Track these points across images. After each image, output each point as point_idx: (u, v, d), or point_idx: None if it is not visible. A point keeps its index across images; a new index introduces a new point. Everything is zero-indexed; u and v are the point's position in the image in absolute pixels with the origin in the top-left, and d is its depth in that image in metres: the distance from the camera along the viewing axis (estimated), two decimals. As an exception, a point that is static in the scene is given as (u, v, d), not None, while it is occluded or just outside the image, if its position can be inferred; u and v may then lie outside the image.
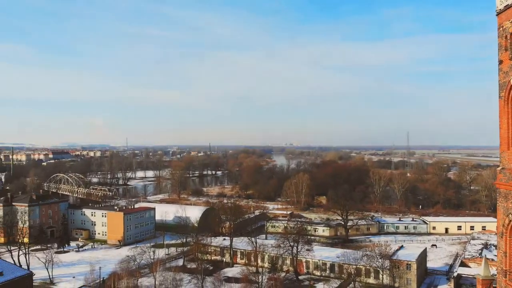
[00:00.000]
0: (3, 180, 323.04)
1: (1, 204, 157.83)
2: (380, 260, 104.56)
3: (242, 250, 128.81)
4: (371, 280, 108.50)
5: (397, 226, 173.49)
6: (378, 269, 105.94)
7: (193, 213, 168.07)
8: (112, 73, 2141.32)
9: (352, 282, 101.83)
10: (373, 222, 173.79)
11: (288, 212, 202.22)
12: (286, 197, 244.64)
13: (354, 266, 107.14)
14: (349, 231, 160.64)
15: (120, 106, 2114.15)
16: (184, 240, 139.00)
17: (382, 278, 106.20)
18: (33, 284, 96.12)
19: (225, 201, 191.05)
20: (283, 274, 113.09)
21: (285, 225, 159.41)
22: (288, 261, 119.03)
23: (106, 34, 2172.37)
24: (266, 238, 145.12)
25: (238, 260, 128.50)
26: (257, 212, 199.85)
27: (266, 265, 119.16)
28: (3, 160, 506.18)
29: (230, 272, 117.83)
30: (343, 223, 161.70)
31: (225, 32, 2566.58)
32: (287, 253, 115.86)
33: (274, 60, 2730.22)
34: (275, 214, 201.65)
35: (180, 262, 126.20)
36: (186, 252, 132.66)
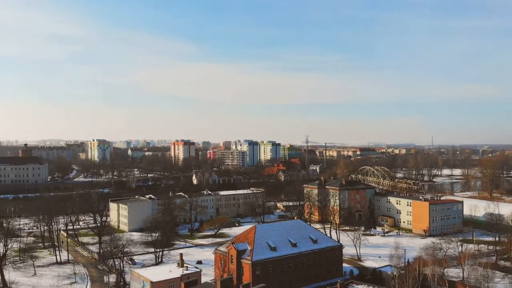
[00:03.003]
0: (318, 170, 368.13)
1: (317, 186, 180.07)
2: None
3: None
4: None
5: None
6: None
7: (509, 210, 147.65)
8: (411, 72, 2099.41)
9: None
10: None
11: None
12: None
13: None
14: None
15: (423, 105, 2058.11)
16: (497, 238, 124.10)
17: None
18: (342, 257, 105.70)
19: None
20: None
21: None
22: None
23: (402, 33, 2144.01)
24: None
25: None
26: None
27: None
28: (318, 155, 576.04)
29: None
30: None
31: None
32: None
33: None
34: None
35: (491, 259, 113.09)
36: (500, 251, 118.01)
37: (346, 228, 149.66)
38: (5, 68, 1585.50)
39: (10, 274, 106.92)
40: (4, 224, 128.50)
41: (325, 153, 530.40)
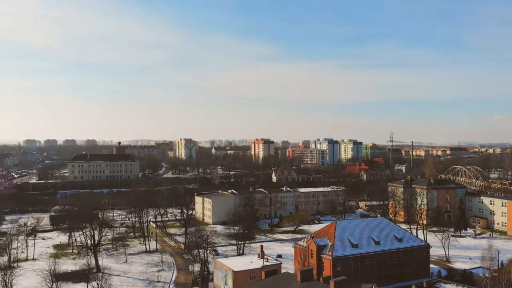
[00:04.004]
0: (403, 170, 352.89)
1: (402, 185, 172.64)
2: None
3: None
4: None
5: None
6: None
7: None
8: (507, 66, 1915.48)
9: None
10: None
11: None
12: None
13: None
14: None
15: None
16: None
17: None
18: (429, 258, 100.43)
19: None
20: None
21: None
22: None
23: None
24: None
25: None
26: None
27: None
28: (404, 155, 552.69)
29: None
30: None
31: None
32: None
33: None
34: None
35: None
36: None
37: (434, 229, 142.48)
38: (101, 74, 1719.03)
39: (103, 260, 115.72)
40: (99, 215, 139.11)
41: (412, 152, 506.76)
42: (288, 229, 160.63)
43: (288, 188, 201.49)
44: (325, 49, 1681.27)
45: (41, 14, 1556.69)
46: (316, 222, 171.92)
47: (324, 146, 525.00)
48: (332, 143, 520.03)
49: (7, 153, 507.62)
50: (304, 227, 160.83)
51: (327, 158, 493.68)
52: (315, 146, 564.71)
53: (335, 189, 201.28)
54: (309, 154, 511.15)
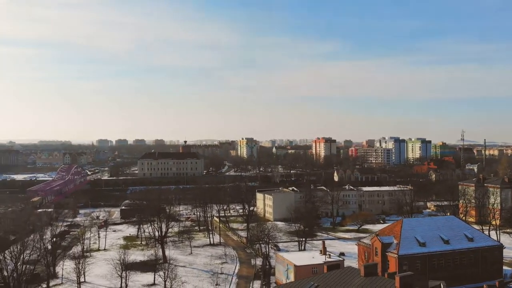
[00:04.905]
0: (475, 170, 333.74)
1: (474, 184, 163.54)
2: None
3: None
4: None
5: None
6: None
7: None
8: None
9: None
10: None
11: None
12: None
13: None
14: None
15: None
16: None
17: None
18: (503, 259, 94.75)
19: None
20: None
21: None
22: None
23: None
24: None
25: None
26: None
27: None
28: (476, 154, 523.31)
29: None
30: None
31: None
32: None
33: None
34: None
35: None
36: None
37: (508, 230, 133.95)
38: (166, 76, 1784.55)
39: (170, 252, 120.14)
40: (166, 210, 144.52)
41: (484, 151, 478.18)
42: (351, 228, 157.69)
43: (351, 187, 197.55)
44: (387, 45, 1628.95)
45: (113, 21, 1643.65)
46: (381, 222, 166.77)
47: (390, 145, 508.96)
48: (399, 142, 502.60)
49: (81, 152, 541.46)
50: (368, 227, 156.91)
51: (393, 158, 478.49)
52: (380, 145, 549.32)
53: (402, 188, 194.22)
54: (374, 153, 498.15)
